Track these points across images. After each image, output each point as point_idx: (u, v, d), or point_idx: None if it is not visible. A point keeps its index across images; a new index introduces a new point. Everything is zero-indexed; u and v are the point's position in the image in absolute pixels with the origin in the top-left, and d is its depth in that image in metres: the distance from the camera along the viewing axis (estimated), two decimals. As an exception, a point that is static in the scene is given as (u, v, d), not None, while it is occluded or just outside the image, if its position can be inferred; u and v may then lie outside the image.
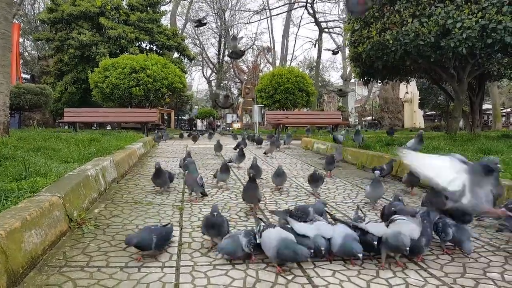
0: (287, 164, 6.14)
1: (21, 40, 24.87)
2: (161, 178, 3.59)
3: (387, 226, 2.11)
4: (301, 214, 2.48)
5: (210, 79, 42.30)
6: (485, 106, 22.34)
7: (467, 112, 10.45)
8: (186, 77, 21.74)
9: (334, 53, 18.25)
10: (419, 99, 21.47)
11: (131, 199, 3.41)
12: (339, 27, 30.95)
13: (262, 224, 2.20)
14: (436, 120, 28.12)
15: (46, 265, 1.94)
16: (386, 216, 2.43)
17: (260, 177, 4.18)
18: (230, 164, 5.35)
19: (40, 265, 1.93)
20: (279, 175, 3.82)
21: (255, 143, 8.84)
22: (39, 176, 2.84)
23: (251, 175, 3.02)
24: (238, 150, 5.51)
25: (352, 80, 32.58)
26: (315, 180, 3.73)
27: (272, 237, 1.95)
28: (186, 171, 3.61)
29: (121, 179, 4.36)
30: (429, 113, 28.16)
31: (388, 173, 4.54)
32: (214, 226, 2.19)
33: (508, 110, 30.96)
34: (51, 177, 2.86)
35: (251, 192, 3.00)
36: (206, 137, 11.74)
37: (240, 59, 37.72)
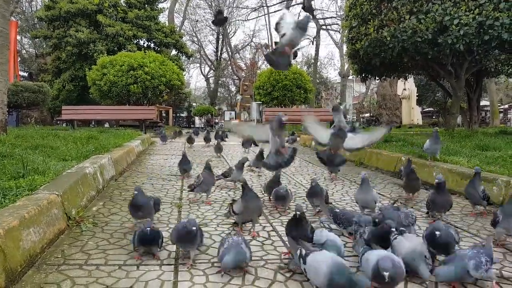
0: (285, 161, 6.14)
1: (18, 37, 24.69)
2: (143, 208, 2.43)
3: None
4: (344, 221, 2.39)
5: (208, 76, 42.19)
6: (482, 103, 22.33)
7: (465, 109, 10.44)
8: (184, 75, 21.68)
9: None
10: (417, 96, 21.43)
11: (130, 197, 3.40)
12: (337, 24, 30.88)
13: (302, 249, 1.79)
14: (434, 117, 28.11)
15: (44, 263, 1.94)
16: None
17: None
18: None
19: (38, 263, 1.93)
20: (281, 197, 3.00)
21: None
22: (37, 174, 2.84)
23: (243, 184, 2.40)
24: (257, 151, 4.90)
25: (350, 77, 32.55)
26: (313, 194, 2.88)
27: (321, 261, 1.63)
28: (204, 170, 3.36)
29: (119, 176, 4.36)
30: (427, 109, 28.15)
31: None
32: (187, 236, 1.96)
33: (506, 106, 30.95)
34: (49, 175, 2.86)
35: (255, 203, 2.37)
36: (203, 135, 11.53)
37: (238, 57, 37.70)
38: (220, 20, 2.75)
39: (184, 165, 4.24)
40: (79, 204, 2.78)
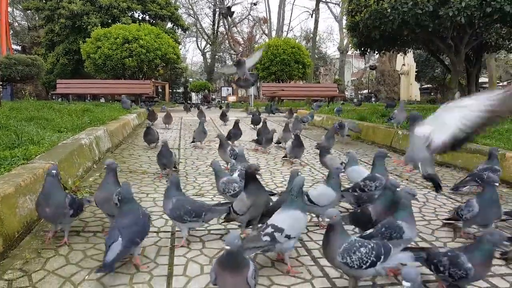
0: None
1: (10, 9, 24.05)
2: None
3: None
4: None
5: (205, 50, 41.48)
6: (481, 80, 22.20)
7: (463, 85, 10.38)
8: (180, 49, 21.33)
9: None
10: (416, 72, 21.26)
11: (126, 168, 3.41)
12: (337, -4, 30.24)
13: None
14: (432, 94, 27.99)
15: (42, 230, 1.96)
16: None
17: None
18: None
19: (35, 230, 1.95)
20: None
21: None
22: (32, 145, 2.82)
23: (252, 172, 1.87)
24: (293, 139, 3.85)
25: (349, 52, 32.17)
26: None
27: None
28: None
29: (115, 149, 4.35)
30: (425, 86, 28.00)
31: None
32: None
33: (505, 83, 30.83)
34: (44, 145, 2.84)
35: (262, 199, 1.87)
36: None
37: (236, 30, 37.04)
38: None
39: (164, 158, 3.10)
40: (75, 174, 2.78)
